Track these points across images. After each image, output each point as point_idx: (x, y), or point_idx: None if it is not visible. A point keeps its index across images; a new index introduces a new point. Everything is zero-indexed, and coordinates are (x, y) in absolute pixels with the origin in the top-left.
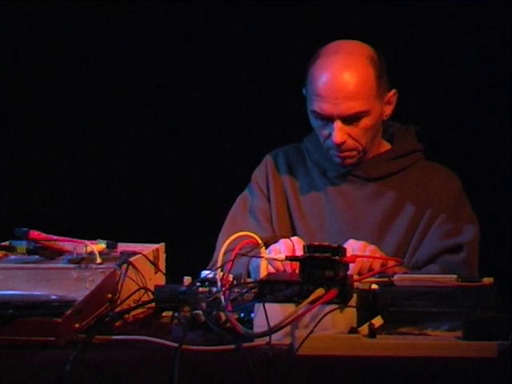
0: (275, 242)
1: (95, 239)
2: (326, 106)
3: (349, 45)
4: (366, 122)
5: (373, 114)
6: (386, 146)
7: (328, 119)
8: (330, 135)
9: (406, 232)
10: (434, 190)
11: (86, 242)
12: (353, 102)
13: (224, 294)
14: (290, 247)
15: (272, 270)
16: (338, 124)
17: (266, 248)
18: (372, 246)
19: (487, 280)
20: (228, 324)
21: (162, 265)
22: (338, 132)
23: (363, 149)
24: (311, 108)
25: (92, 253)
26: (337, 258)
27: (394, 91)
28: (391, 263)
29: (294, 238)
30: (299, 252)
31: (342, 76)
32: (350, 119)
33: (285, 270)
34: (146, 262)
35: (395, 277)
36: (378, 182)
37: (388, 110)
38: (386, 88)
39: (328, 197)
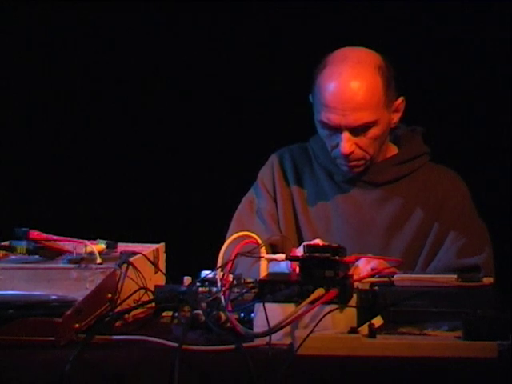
0: (281, 242)
1: (95, 239)
2: (334, 116)
3: (356, 53)
4: (374, 131)
5: (381, 123)
6: (393, 149)
7: (336, 129)
8: (337, 145)
9: (413, 237)
10: (442, 195)
11: (86, 242)
12: (361, 113)
13: (224, 294)
14: None
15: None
16: (345, 135)
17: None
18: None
19: (487, 280)
20: (228, 324)
21: (162, 265)
22: (346, 143)
23: (371, 158)
24: (318, 118)
25: (92, 253)
26: (337, 257)
27: (401, 99)
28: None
29: (315, 241)
30: None
31: (350, 87)
32: (357, 130)
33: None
34: (146, 262)
35: (395, 277)
36: (386, 187)
37: (396, 117)
38: (393, 96)
39: (335, 201)
